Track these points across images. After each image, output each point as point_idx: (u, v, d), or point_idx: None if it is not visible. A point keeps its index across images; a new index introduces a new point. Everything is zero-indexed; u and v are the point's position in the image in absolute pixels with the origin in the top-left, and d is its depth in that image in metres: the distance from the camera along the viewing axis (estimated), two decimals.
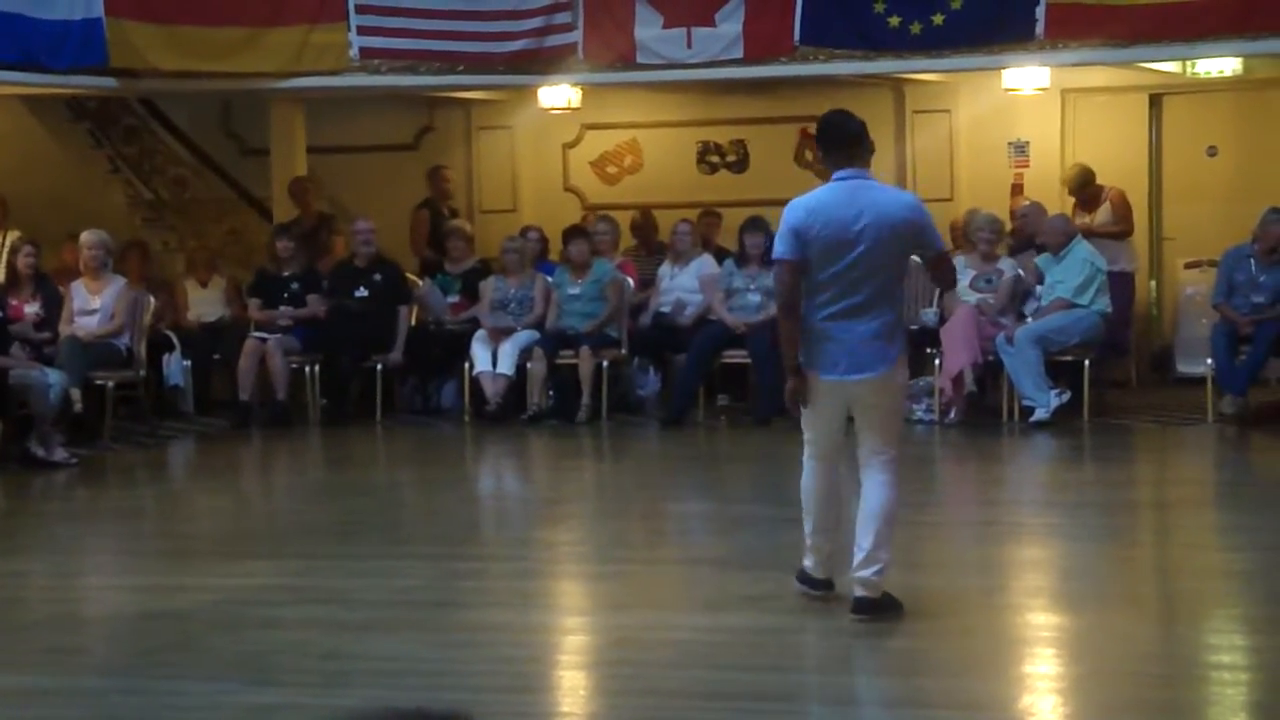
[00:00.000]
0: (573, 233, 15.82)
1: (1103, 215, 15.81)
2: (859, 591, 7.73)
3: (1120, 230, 15.72)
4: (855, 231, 7.63)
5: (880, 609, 7.74)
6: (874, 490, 7.80)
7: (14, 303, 14.11)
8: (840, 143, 7.85)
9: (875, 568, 7.72)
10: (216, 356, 15.98)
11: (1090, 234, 15.14)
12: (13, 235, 15.65)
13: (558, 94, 16.83)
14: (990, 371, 14.42)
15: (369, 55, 15.84)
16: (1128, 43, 14.63)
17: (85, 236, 14.55)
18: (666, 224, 16.45)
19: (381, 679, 6.99)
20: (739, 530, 10.19)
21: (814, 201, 7.78)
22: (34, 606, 8.75)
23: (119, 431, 14.41)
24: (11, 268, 14.80)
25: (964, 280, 14.76)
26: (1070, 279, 14.30)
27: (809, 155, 17.71)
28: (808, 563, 8.07)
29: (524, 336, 15.22)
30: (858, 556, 7.72)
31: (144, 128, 18.71)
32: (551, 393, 15.23)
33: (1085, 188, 15.94)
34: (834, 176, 7.82)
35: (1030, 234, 15.28)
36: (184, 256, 17.47)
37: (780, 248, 7.78)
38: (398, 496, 12.54)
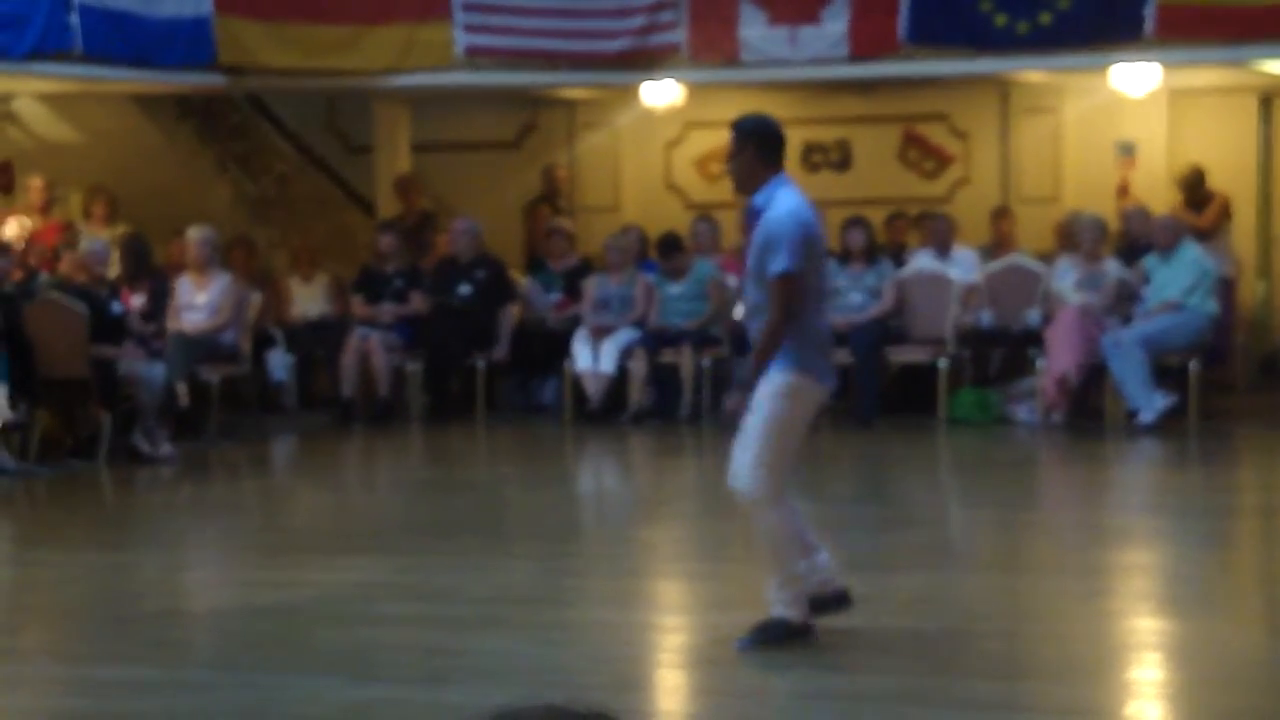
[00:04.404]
0: (666, 246, 15.60)
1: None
2: (840, 582, 7.47)
3: (1198, 224, 15.43)
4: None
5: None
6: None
7: (122, 290, 14.28)
8: (781, 146, 7.48)
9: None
10: (320, 353, 16.09)
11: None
12: (121, 230, 15.83)
13: (661, 92, 16.83)
14: (1094, 373, 14.28)
15: (474, 53, 15.91)
16: (1238, 42, 14.48)
17: (192, 232, 14.69)
18: None
19: (483, 675, 7.01)
20: (840, 531, 10.10)
21: (808, 208, 7.43)
22: (140, 600, 8.82)
23: (223, 427, 14.53)
24: (120, 261, 14.96)
25: (1068, 281, 14.65)
26: (1179, 280, 14.15)
27: (913, 155, 17.65)
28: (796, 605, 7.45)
29: (625, 335, 15.23)
30: (823, 553, 7.46)
31: (250, 125, 18.86)
32: (652, 391, 15.24)
33: (1195, 189, 15.78)
34: (784, 180, 7.42)
35: (1135, 238, 15.15)
36: (288, 253, 17.60)
37: (796, 261, 7.24)
38: (499, 494, 12.57)
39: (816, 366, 7.38)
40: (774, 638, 7.28)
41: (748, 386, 7.30)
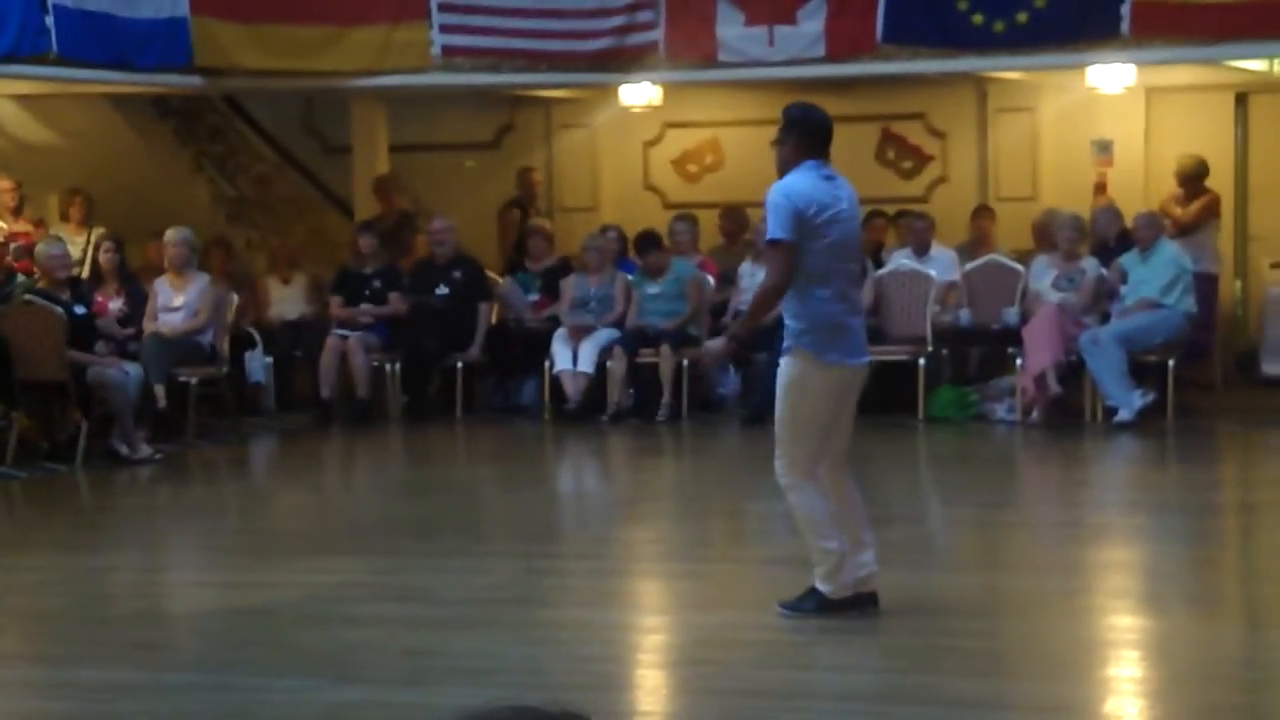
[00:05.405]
0: (645, 243, 15.70)
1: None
2: (873, 585, 7.80)
3: (1179, 219, 15.46)
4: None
5: None
6: (855, 485, 7.92)
7: (99, 299, 14.22)
8: (825, 137, 8.02)
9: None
10: (298, 354, 16.07)
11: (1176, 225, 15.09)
12: (97, 232, 15.80)
13: (639, 92, 16.84)
14: (1072, 371, 14.30)
15: (451, 54, 15.89)
16: (1214, 40, 14.50)
17: (170, 234, 14.64)
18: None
19: (463, 676, 7.01)
20: None
21: (811, 187, 7.80)
22: (120, 602, 8.82)
23: (202, 428, 14.50)
24: (96, 264, 14.95)
25: (1046, 280, 14.67)
26: (1156, 278, 14.19)
27: (891, 154, 17.66)
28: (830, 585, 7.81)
29: (604, 335, 15.23)
30: (869, 552, 7.79)
31: (228, 126, 18.82)
32: (632, 391, 15.23)
33: (1196, 181, 15.76)
34: (807, 165, 7.84)
35: (1104, 237, 15.18)
36: (266, 254, 17.58)
37: (783, 229, 7.64)
38: (478, 494, 12.57)
39: (821, 345, 7.60)
40: (806, 607, 7.70)
41: (734, 339, 8.29)
